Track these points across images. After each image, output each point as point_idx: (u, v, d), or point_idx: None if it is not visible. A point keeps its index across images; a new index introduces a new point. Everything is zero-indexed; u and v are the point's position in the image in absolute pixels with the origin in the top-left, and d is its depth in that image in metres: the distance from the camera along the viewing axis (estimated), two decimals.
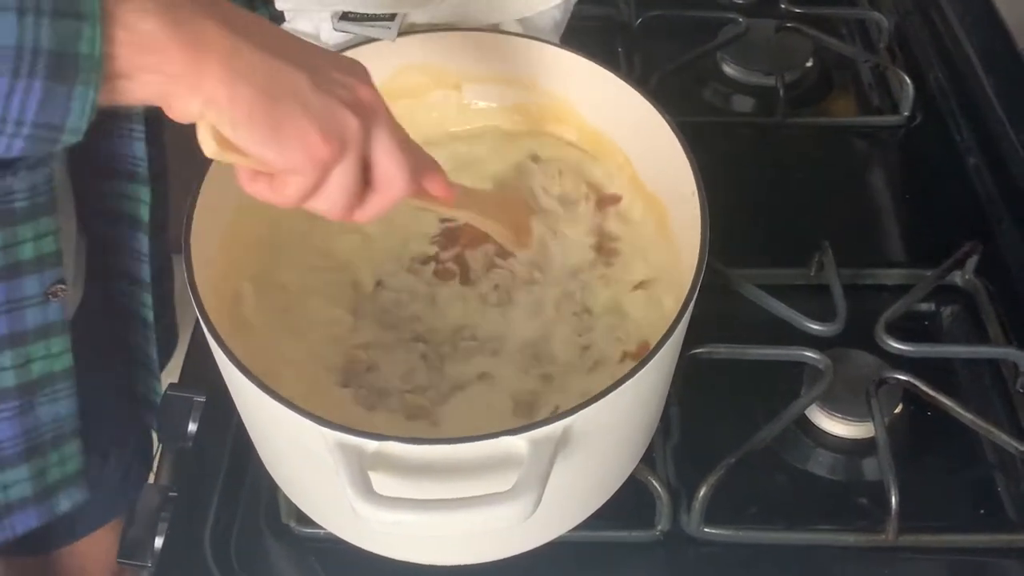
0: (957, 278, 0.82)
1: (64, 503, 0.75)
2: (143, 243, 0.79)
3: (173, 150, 0.77)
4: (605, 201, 0.73)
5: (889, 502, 0.66)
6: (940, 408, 0.72)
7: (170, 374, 0.81)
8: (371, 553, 0.61)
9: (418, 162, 0.56)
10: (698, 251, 0.60)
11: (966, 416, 0.71)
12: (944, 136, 0.95)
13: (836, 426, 0.72)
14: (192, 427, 0.72)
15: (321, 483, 0.58)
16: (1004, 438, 0.70)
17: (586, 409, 0.53)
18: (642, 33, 1.04)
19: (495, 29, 0.75)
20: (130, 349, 0.85)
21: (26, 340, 0.69)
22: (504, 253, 0.70)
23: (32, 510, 0.75)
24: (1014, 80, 0.91)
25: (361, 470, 0.50)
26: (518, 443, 0.52)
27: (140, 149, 0.74)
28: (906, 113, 0.96)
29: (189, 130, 0.49)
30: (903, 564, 0.67)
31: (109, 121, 0.73)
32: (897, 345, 0.74)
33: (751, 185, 0.89)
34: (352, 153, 0.51)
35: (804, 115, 0.98)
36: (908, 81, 0.96)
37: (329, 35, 0.75)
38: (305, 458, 0.56)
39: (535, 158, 0.75)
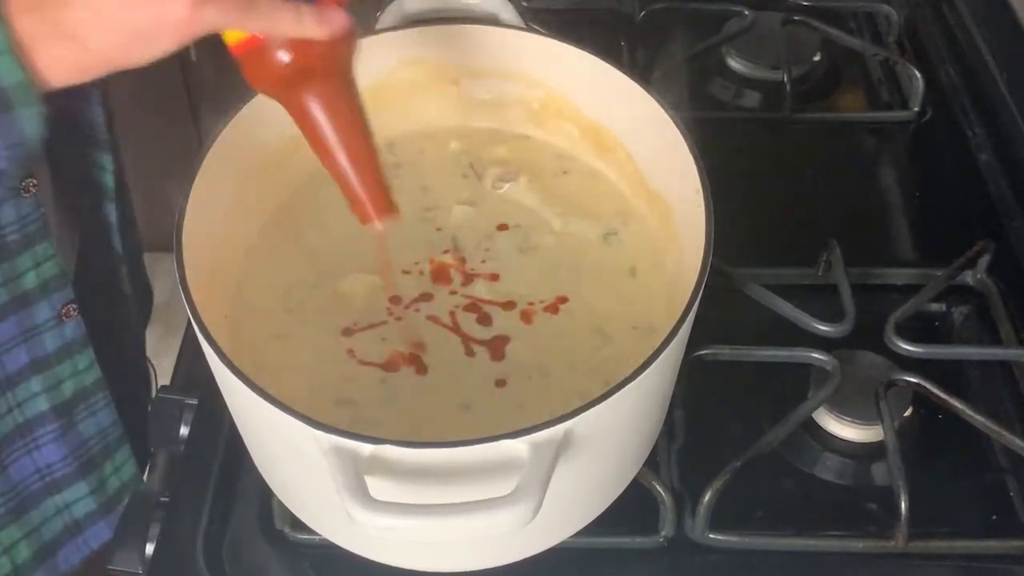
0: (968, 278, 0.81)
1: None
2: (111, 213, 0.78)
3: (162, 148, 0.77)
4: None
5: (898, 507, 0.65)
6: (951, 411, 0.71)
7: (162, 376, 0.81)
8: (367, 560, 0.61)
9: None
10: (702, 250, 0.59)
11: (977, 419, 0.70)
12: (955, 132, 0.94)
13: (844, 429, 0.71)
14: (184, 431, 0.71)
15: (316, 487, 0.57)
16: (1016, 442, 0.69)
17: (588, 412, 0.52)
18: (646, 27, 1.03)
19: (494, 22, 0.74)
20: (114, 323, 0.85)
21: (51, 364, 0.70)
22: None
23: (102, 523, 0.77)
24: None
25: (357, 474, 0.50)
26: (518, 446, 0.51)
27: (99, 115, 0.74)
28: (916, 108, 0.95)
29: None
30: (913, 571, 0.66)
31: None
32: (907, 346, 0.73)
33: (757, 182, 0.88)
34: None
35: (811, 110, 0.98)
36: (918, 75, 0.95)
37: None
38: (299, 462, 0.56)
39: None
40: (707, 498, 0.66)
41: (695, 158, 0.63)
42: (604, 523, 0.63)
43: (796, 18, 1.02)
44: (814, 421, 0.72)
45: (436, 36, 0.73)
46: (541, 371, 0.64)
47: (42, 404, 0.71)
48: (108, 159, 0.76)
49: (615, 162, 0.73)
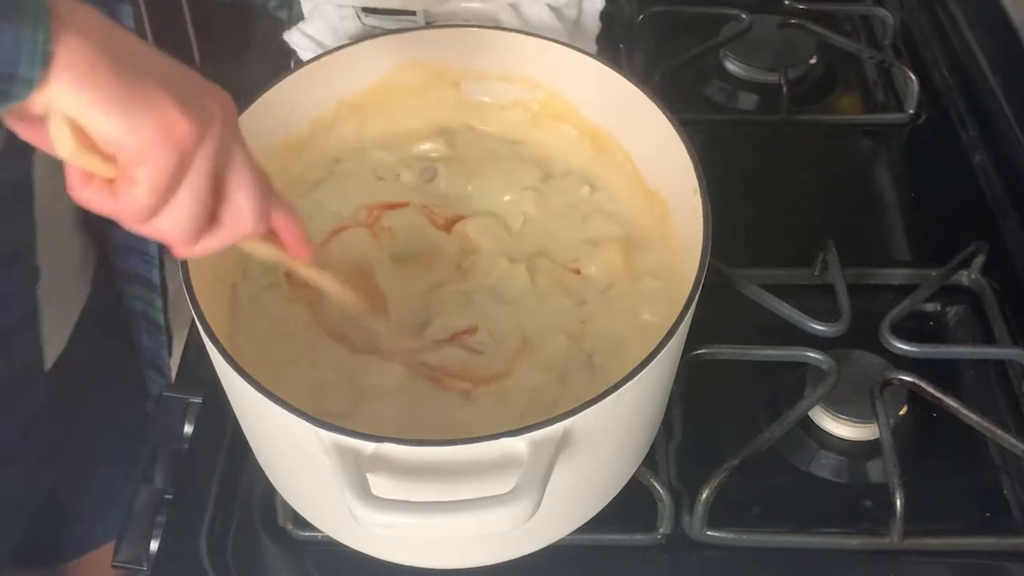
0: (963, 278, 0.81)
1: None
2: (151, 245, 0.77)
3: None
4: None
5: (894, 505, 0.66)
6: (945, 410, 0.71)
7: None
8: (369, 557, 0.61)
9: (273, 198, 0.51)
10: (700, 250, 0.59)
11: (972, 418, 0.70)
12: (950, 134, 0.94)
13: (840, 428, 0.72)
14: (188, 429, 0.72)
15: (318, 485, 0.57)
16: (1010, 440, 0.69)
17: (587, 410, 0.52)
18: (644, 29, 1.03)
19: (494, 25, 0.74)
20: (141, 352, 0.85)
21: None
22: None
23: None
24: (1021, 77, 0.90)
25: (359, 472, 0.50)
26: (518, 444, 0.51)
27: None
28: (911, 110, 0.95)
29: None
30: (908, 567, 0.67)
31: None
32: (902, 346, 0.73)
33: (754, 183, 0.88)
34: (209, 147, 0.46)
35: (808, 112, 0.98)
36: (913, 78, 0.95)
37: (345, 32, 0.74)
38: (301, 459, 0.56)
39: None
40: (705, 495, 0.66)
41: (693, 159, 0.63)
42: (603, 520, 0.63)
43: (793, 21, 1.02)
44: (810, 419, 0.72)
45: (436, 39, 0.74)
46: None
47: None
48: None
49: (613, 163, 0.74)
